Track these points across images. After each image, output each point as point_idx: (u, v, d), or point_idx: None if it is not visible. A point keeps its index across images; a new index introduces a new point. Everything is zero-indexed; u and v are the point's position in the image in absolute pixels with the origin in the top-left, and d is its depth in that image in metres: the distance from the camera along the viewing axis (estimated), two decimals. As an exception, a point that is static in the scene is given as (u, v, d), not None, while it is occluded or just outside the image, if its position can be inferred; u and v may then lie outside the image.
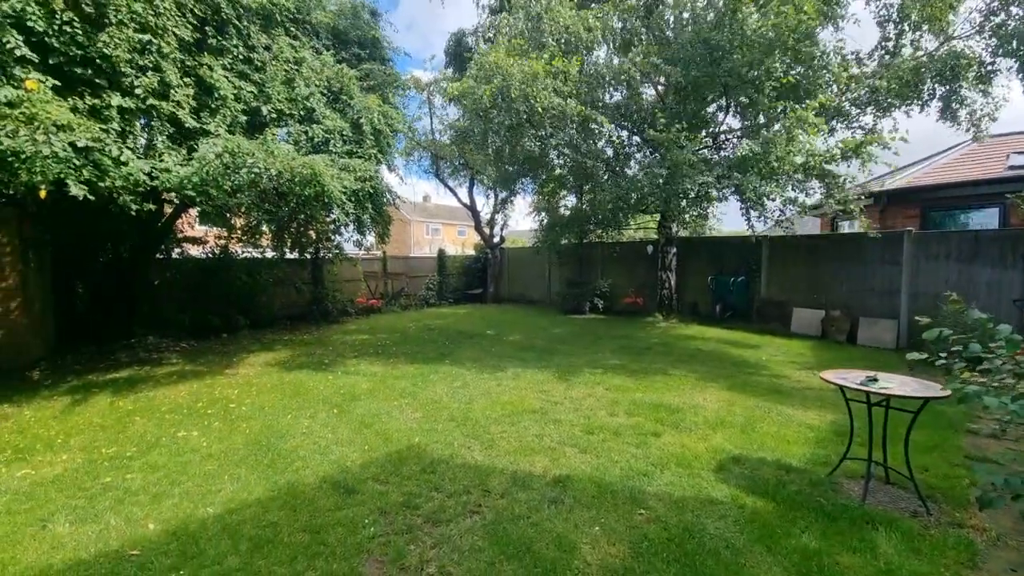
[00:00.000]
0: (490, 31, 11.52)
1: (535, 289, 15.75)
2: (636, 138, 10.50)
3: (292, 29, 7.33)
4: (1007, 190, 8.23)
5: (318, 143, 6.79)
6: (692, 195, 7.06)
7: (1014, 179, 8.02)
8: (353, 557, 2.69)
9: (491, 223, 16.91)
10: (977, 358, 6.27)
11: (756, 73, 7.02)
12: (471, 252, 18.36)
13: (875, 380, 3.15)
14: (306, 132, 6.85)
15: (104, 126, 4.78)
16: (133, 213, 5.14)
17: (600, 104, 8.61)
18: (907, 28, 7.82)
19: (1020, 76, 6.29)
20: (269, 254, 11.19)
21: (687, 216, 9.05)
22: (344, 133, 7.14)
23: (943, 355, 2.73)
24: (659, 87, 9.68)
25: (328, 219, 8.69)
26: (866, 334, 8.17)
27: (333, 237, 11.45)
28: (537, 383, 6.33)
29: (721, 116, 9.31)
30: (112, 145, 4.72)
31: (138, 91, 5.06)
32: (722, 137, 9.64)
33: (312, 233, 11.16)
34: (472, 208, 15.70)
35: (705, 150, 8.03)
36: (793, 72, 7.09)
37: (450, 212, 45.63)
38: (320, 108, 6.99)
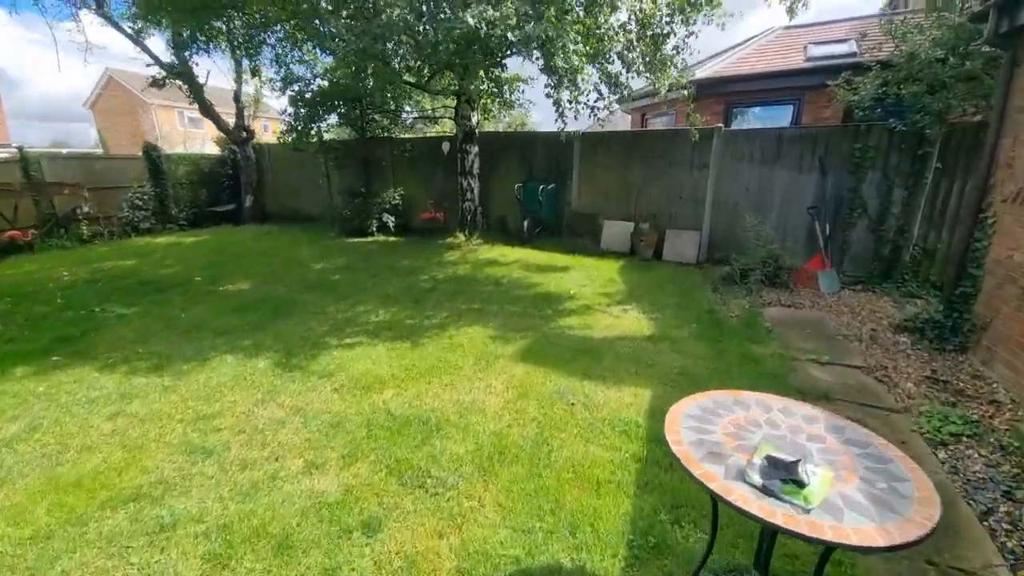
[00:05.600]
0: None
1: (312, 202, 11.84)
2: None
3: None
4: (806, 83, 7.86)
5: None
6: (479, 44, 4.34)
7: (812, 70, 7.65)
8: None
9: (237, 103, 11.63)
10: (774, 273, 5.59)
11: None
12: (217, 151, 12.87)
13: (795, 467, 1.26)
14: None
15: None
16: None
17: None
18: None
19: None
20: None
21: (482, 85, 6.41)
22: None
23: None
24: None
25: None
26: (671, 249, 7.42)
27: None
28: (212, 392, 3.48)
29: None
30: None
31: None
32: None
33: None
34: (185, 75, 10.14)
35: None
36: None
37: (223, 96, 33.80)
38: None
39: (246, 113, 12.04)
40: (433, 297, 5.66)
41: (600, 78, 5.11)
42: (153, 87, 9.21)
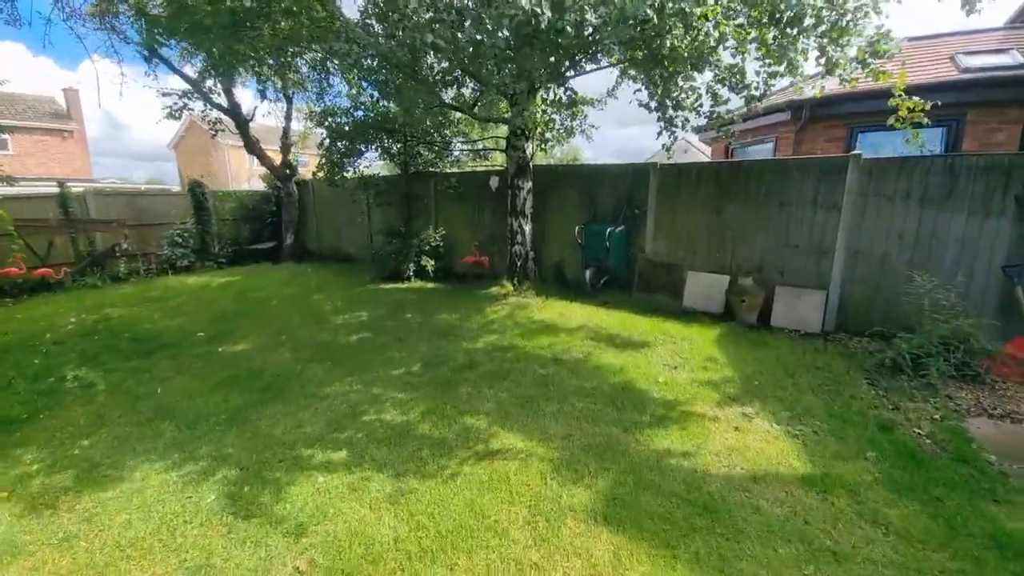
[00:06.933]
0: None
1: (352, 241, 11.07)
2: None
3: None
4: (964, 100, 6.04)
5: None
6: (540, 39, 3.01)
7: (971, 84, 5.86)
8: None
9: (285, 140, 11.32)
10: (962, 361, 3.67)
11: None
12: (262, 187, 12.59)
13: None
14: None
15: None
16: None
17: None
18: None
19: None
20: None
21: (539, 110, 5.10)
22: None
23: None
24: None
25: None
26: (784, 312, 5.62)
27: None
28: (118, 555, 2.21)
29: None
30: None
31: None
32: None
33: None
34: (233, 113, 9.87)
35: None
36: None
37: (275, 135, 35.75)
38: None
39: (293, 149, 11.71)
40: (469, 379, 4.24)
41: (720, 74, 3.65)
42: (170, 119, 8.77)
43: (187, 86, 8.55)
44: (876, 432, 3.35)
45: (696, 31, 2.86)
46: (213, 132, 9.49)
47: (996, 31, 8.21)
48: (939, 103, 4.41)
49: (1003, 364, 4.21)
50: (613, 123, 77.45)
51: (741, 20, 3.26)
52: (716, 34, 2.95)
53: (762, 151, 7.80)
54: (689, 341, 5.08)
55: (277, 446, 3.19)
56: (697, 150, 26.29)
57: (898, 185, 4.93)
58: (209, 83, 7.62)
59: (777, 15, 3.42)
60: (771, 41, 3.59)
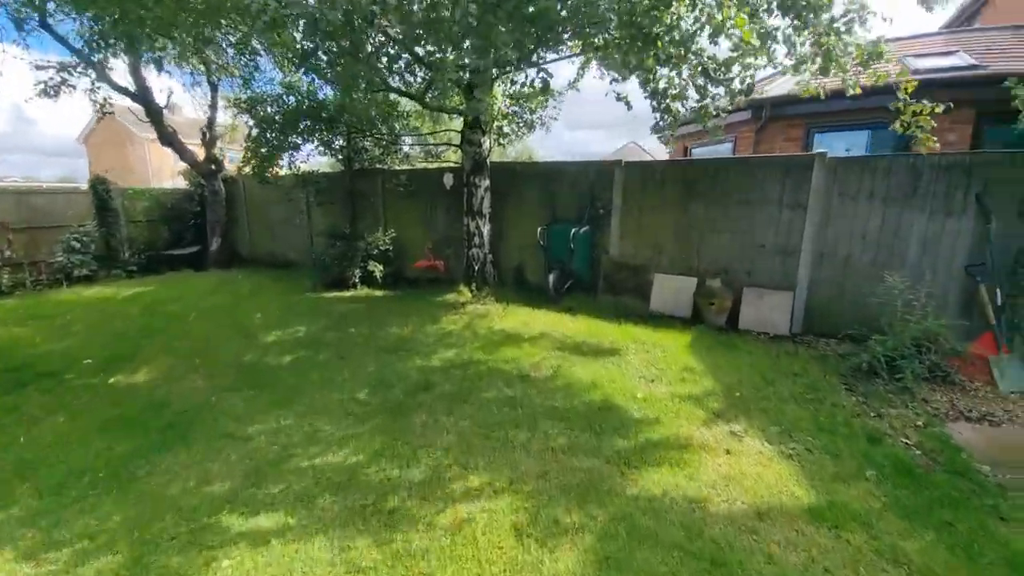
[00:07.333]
0: None
1: (291, 245, 10.02)
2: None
3: None
4: (914, 101, 6.17)
5: None
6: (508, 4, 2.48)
7: (923, 85, 5.99)
8: None
9: (210, 132, 10.03)
10: (934, 363, 3.53)
11: None
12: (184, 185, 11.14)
13: None
14: None
15: None
16: None
17: None
18: None
19: None
20: None
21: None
22: None
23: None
24: None
25: None
26: (752, 314, 5.47)
27: None
28: None
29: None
30: None
31: None
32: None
33: None
34: (144, 99, 8.56)
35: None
36: None
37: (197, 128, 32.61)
38: None
39: (220, 143, 10.47)
40: (424, 404, 3.66)
41: (704, 64, 3.31)
42: (45, 96, 7.14)
43: (75, 60, 7.11)
44: (867, 445, 3.13)
45: (700, 10, 2.51)
46: (100, 115, 8.10)
47: (938, 35, 8.74)
48: (951, 104, 4.37)
49: (970, 364, 4.20)
50: (562, 125, 78.50)
51: (747, 10, 2.97)
52: (720, 17, 2.61)
53: (720, 151, 7.76)
54: (662, 348, 4.76)
55: (172, 513, 2.46)
56: (647, 152, 26.89)
57: (862, 184, 4.87)
58: (99, 56, 6.34)
59: (788, 3, 3.17)
60: (759, 30, 3.34)
